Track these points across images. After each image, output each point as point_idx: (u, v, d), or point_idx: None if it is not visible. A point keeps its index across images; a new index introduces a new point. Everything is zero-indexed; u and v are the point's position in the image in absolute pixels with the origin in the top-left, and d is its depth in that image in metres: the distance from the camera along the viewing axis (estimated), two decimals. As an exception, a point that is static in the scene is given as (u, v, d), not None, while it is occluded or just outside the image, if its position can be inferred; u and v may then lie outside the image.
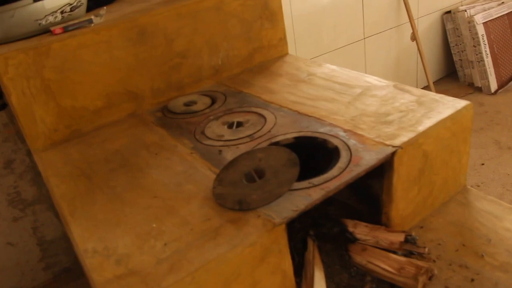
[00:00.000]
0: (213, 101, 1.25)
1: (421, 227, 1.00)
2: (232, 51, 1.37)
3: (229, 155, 0.97)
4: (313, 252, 0.91)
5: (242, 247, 0.70)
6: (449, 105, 0.99)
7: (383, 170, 0.89)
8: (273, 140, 0.98)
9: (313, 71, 1.32)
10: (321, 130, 0.99)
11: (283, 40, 1.47)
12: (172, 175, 0.93)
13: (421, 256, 0.93)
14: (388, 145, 0.88)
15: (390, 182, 0.89)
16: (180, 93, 1.33)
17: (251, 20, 1.37)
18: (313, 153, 0.97)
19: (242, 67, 1.41)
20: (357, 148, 0.89)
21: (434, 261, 0.92)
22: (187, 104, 1.26)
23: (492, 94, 2.62)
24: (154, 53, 1.25)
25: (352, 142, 0.92)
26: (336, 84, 1.21)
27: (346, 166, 0.84)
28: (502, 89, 2.64)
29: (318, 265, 0.90)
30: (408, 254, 0.94)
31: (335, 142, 0.93)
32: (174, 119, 1.20)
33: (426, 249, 0.94)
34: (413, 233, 0.98)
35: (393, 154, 0.86)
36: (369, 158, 0.85)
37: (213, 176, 0.89)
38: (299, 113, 1.09)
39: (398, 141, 0.89)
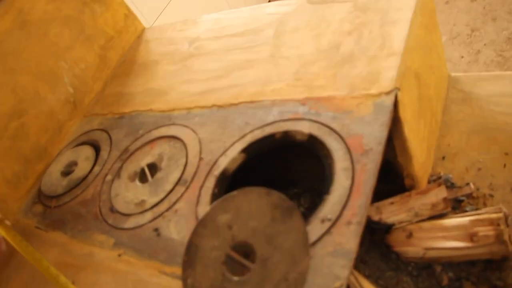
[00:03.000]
0: (97, 149, 0.86)
1: (443, 158, 0.75)
2: (77, 67, 0.95)
3: (173, 229, 0.62)
4: (357, 283, 0.63)
5: None
6: (400, -7, 0.70)
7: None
8: (217, 172, 0.64)
9: (193, 35, 0.95)
10: (270, 118, 0.66)
11: (129, 15, 1.06)
12: (115, 315, 0.58)
13: (471, 198, 0.69)
14: (379, 94, 0.59)
15: (403, 138, 0.61)
16: (47, 160, 0.91)
17: (75, 14, 0.94)
18: (276, 160, 0.65)
19: (102, 78, 1.00)
20: (342, 123, 0.58)
21: (491, 195, 0.68)
22: (66, 172, 0.86)
23: None
24: (-27, 135, 0.81)
25: (326, 116, 0.61)
26: (235, 37, 0.86)
27: (352, 163, 0.54)
28: None
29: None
30: (456, 204, 0.70)
31: (303, 128, 0.61)
32: (63, 207, 0.80)
33: (472, 185, 0.70)
34: (441, 173, 0.73)
35: (395, 104, 0.57)
36: (372, 131, 0.55)
37: (177, 284, 0.55)
38: (219, 107, 0.74)
39: (387, 82, 0.59)
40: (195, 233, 0.55)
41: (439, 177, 0.72)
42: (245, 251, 0.51)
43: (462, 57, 1.74)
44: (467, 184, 0.70)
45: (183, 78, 0.86)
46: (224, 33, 0.89)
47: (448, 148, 0.75)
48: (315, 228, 0.50)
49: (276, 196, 0.51)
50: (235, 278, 0.50)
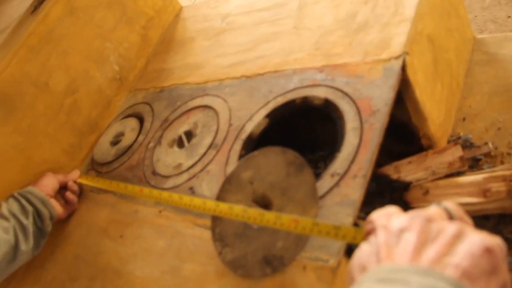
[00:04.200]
0: (141, 120, 0.95)
1: (464, 119, 0.77)
2: (121, 46, 1.04)
3: (205, 187, 0.70)
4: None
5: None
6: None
7: (399, 93, 0.64)
8: (244, 136, 0.71)
9: (225, 12, 1.01)
10: (291, 86, 0.71)
11: (167, -5, 1.13)
12: (158, 260, 0.67)
13: (489, 156, 0.72)
14: (389, 59, 0.62)
15: (414, 100, 0.64)
16: (98, 132, 1.01)
17: (117, -3, 1.03)
18: (301, 123, 0.71)
19: (144, 56, 1.08)
20: (354, 87, 0.63)
21: (509, 154, 0.70)
22: (115, 142, 0.96)
23: None
24: (36, 112, 0.92)
25: (341, 81, 0.65)
26: (263, 12, 0.91)
27: (360, 123, 0.58)
28: None
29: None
30: (474, 163, 0.73)
31: (320, 93, 0.66)
32: (112, 172, 0.90)
33: (490, 145, 0.72)
34: (461, 133, 0.76)
35: (403, 68, 0.61)
36: (380, 93, 0.60)
37: (207, 234, 0.63)
38: (247, 77, 0.80)
39: (396, 47, 0.63)
40: (222, 189, 0.62)
41: (459, 137, 0.75)
42: (264, 202, 0.58)
43: (509, 16, 1.68)
44: (486, 143, 0.72)
45: (216, 52, 0.92)
46: (253, 7, 0.94)
47: (469, 109, 0.77)
48: (325, 182, 0.56)
49: (291, 154, 0.57)
50: (255, 226, 0.57)
